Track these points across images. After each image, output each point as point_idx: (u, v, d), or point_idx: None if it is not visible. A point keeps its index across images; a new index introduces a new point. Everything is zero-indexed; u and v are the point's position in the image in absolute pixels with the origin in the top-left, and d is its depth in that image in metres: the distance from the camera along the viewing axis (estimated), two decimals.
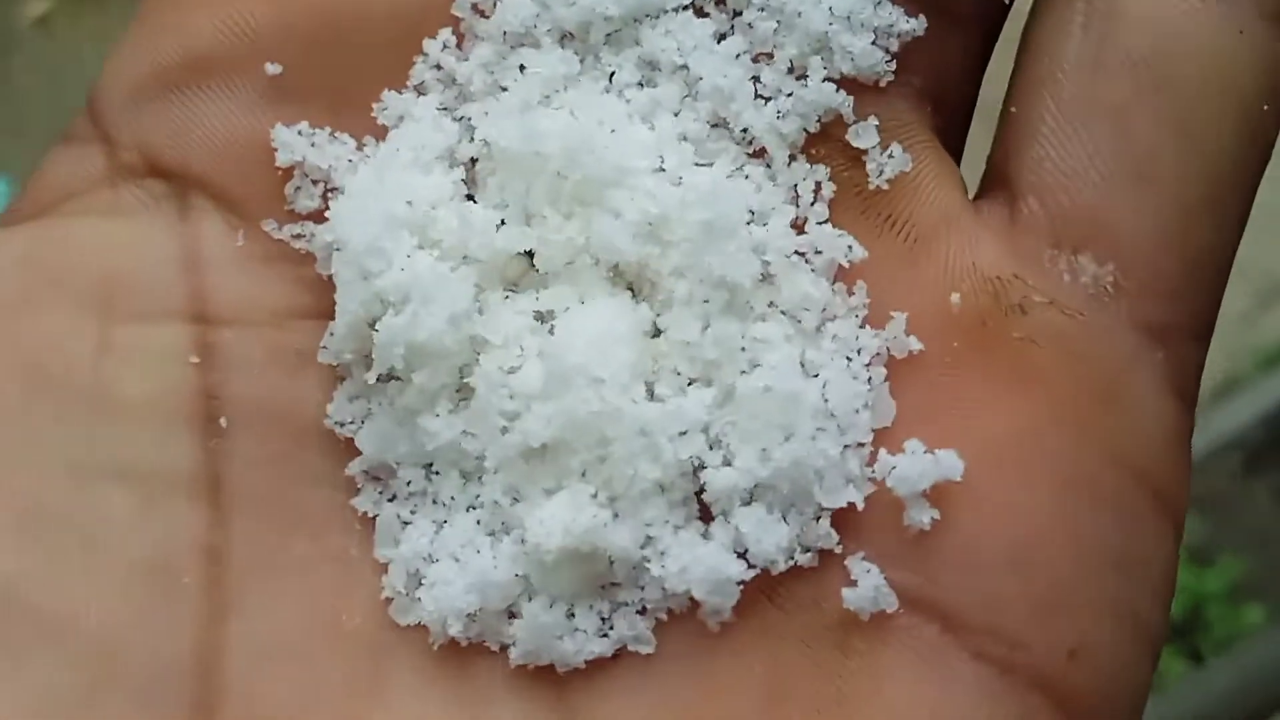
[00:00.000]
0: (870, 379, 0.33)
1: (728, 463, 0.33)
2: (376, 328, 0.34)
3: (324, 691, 0.33)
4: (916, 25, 0.34)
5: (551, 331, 0.33)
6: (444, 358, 0.34)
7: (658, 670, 0.33)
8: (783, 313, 0.34)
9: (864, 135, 0.34)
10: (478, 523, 0.35)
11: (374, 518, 0.35)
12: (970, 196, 0.35)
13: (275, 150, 0.35)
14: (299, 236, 0.36)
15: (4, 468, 0.33)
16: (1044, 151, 0.33)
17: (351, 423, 0.35)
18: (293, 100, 0.36)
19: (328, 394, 0.35)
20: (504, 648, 0.34)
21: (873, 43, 0.34)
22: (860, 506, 0.32)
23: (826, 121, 0.35)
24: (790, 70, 0.35)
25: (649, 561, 0.33)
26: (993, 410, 0.32)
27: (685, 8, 0.35)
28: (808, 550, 0.33)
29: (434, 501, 0.35)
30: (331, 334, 0.35)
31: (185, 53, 0.36)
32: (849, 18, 0.34)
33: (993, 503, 0.32)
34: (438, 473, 0.35)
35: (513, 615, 0.34)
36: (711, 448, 0.33)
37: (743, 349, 0.33)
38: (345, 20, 0.36)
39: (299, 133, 0.35)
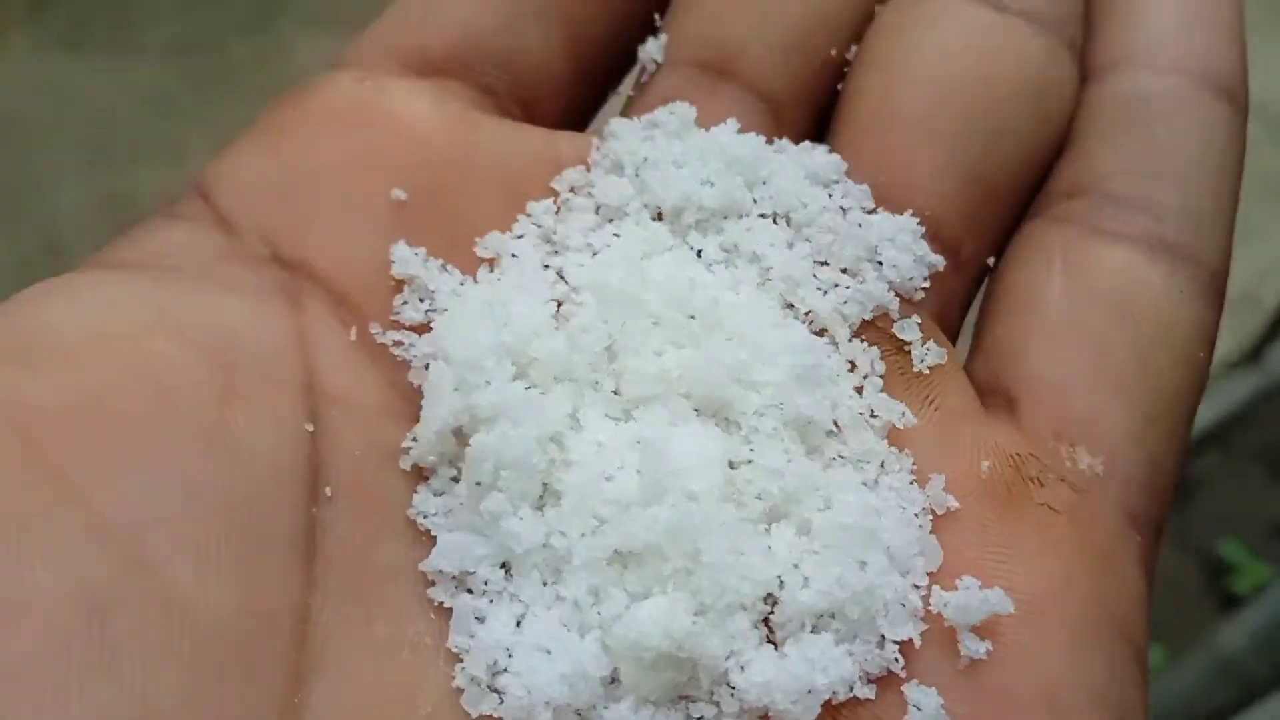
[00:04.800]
0: (920, 526, 0.32)
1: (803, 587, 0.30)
2: (469, 441, 0.31)
3: None
4: (939, 260, 0.36)
5: (644, 449, 0.31)
6: (530, 472, 0.31)
7: None
8: (849, 462, 0.33)
9: (908, 330, 0.35)
10: (560, 620, 0.30)
11: (448, 608, 0.30)
12: None
13: (392, 264, 0.34)
14: (399, 344, 0.33)
15: (122, 472, 0.27)
16: (1039, 365, 0.35)
17: (433, 515, 0.31)
18: (412, 226, 0.34)
19: (410, 488, 0.32)
20: None
21: (913, 262, 0.36)
22: (918, 643, 0.30)
23: (876, 315, 0.35)
24: (845, 271, 0.35)
25: (730, 673, 0.29)
26: (1022, 564, 0.31)
27: (763, 215, 0.36)
28: (870, 682, 0.30)
29: (512, 597, 0.31)
30: (414, 440, 0.32)
31: (314, 166, 0.34)
32: (894, 240, 0.35)
33: (1025, 647, 0.31)
34: (513, 572, 0.31)
35: (580, 714, 0.29)
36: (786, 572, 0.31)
37: (817, 487, 0.32)
38: (460, 169, 0.35)
39: (416, 254, 0.34)
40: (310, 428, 0.30)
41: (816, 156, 0.36)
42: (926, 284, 0.35)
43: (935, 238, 0.36)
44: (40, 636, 0.24)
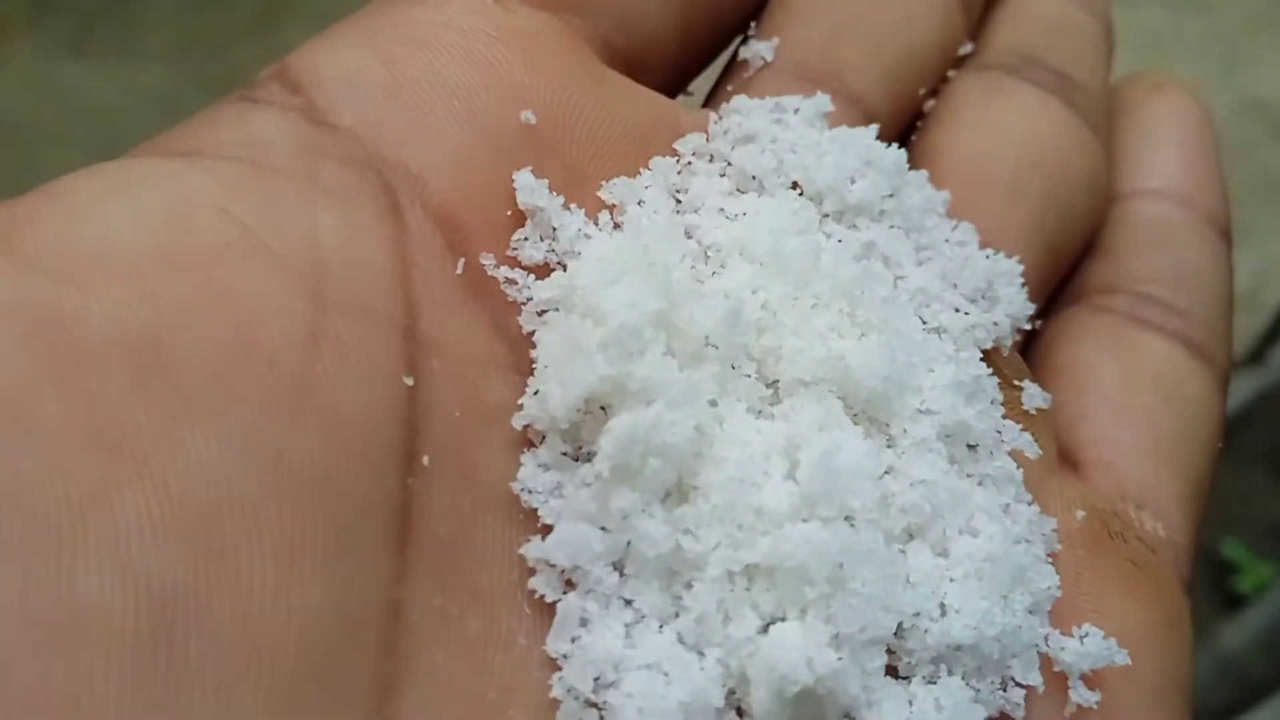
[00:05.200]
0: (1050, 564, 0.30)
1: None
2: (607, 417, 0.26)
3: None
4: (1032, 308, 0.34)
5: (807, 457, 0.27)
6: (678, 465, 0.26)
7: None
8: (987, 477, 0.30)
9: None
10: (678, 634, 0.26)
11: (550, 604, 0.25)
12: None
13: (515, 191, 0.28)
14: (512, 283, 0.28)
15: (192, 436, 0.21)
16: (1101, 436, 0.35)
17: (538, 493, 0.26)
18: (535, 156, 0.29)
19: (511, 458, 0.26)
20: None
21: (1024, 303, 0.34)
22: (1041, 689, 0.28)
23: (993, 347, 0.33)
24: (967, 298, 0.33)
25: (857, 709, 0.26)
26: (1110, 614, 0.30)
27: (894, 226, 0.33)
28: None
29: (624, 603, 0.26)
30: (535, 393, 0.27)
31: (430, 69, 0.29)
32: (1007, 277, 0.33)
33: (1121, 700, 0.30)
34: (627, 573, 0.26)
35: None
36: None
37: (962, 506, 0.28)
38: (587, 109, 0.31)
39: (542, 184, 0.29)
40: (410, 382, 0.25)
41: (930, 187, 0.34)
42: (1029, 326, 0.34)
43: None
44: (99, 660, 0.19)
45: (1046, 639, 0.28)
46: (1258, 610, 1.09)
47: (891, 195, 0.33)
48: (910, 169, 0.34)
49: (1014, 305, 0.33)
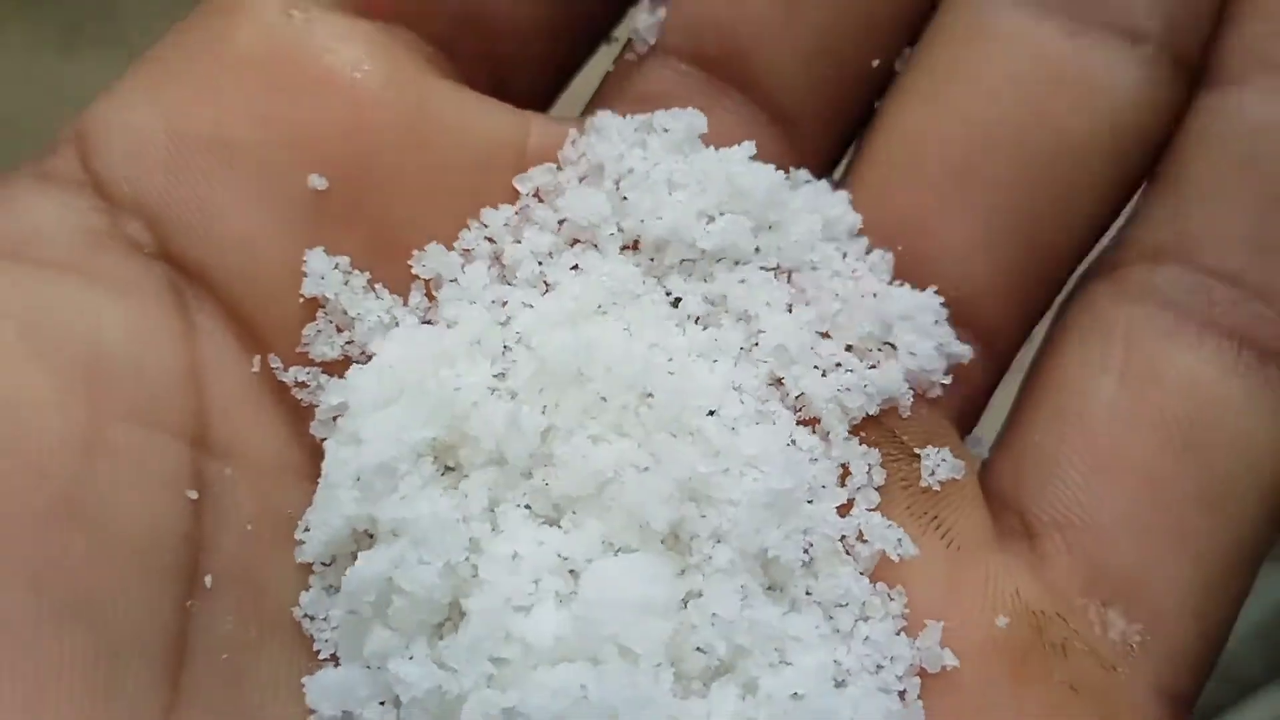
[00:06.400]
0: (904, 692, 0.25)
1: None
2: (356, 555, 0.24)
3: None
4: (964, 351, 0.28)
5: (575, 578, 0.24)
6: (430, 605, 0.23)
7: None
8: (818, 604, 0.25)
9: (915, 430, 0.27)
10: None
11: None
12: None
13: (303, 277, 0.25)
14: (303, 385, 0.25)
15: None
16: (1072, 496, 0.26)
17: (322, 619, 0.24)
18: (333, 225, 0.26)
19: (303, 577, 0.25)
20: None
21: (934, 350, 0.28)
22: None
23: (883, 408, 0.27)
24: (850, 349, 0.27)
25: None
26: None
27: (764, 268, 0.28)
28: None
29: None
30: (308, 530, 0.24)
31: (214, 131, 0.25)
32: (913, 319, 0.27)
33: None
34: (403, 715, 0.24)
35: None
36: None
37: (772, 638, 0.24)
38: (404, 149, 0.26)
39: (336, 266, 0.25)
40: (194, 495, 0.23)
41: (834, 203, 0.28)
42: (947, 379, 0.27)
43: (966, 321, 0.27)
44: None
45: None
46: (1248, 606, 1.06)
47: (770, 228, 0.27)
48: (822, 180, 0.28)
49: (920, 354, 0.27)
